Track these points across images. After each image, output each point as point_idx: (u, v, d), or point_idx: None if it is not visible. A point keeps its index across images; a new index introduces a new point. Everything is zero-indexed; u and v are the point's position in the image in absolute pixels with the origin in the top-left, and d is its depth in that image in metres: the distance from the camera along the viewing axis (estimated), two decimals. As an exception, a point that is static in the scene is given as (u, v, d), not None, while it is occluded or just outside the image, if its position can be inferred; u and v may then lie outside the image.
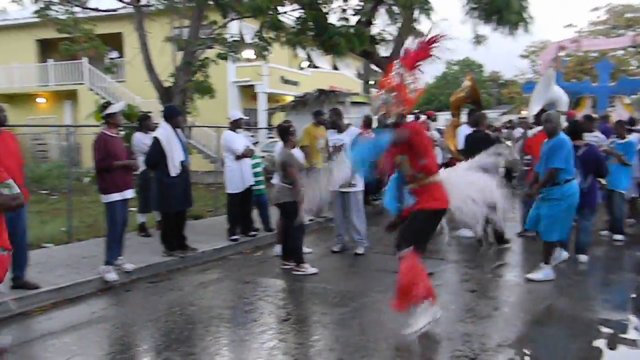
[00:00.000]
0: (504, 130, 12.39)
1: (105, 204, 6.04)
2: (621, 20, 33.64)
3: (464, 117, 9.45)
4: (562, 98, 9.85)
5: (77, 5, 12.07)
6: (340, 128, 7.47)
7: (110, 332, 4.76)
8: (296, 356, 4.09)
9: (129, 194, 6.18)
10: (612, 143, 8.02)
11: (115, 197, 5.97)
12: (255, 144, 8.56)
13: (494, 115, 28.26)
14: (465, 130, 8.40)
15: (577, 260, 6.61)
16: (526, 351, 4.29)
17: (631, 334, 4.55)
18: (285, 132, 6.73)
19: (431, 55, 4.42)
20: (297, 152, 7.23)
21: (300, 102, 12.21)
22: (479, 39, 15.48)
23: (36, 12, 11.83)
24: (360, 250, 7.36)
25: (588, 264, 6.61)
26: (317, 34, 9.99)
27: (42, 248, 7.21)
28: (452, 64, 49.35)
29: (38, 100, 23.42)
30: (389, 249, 7.49)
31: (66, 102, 22.86)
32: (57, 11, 11.87)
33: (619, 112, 13.27)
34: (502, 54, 39.71)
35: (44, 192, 13.30)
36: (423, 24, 13.54)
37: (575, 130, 6.64)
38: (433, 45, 4.37)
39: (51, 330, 4.70)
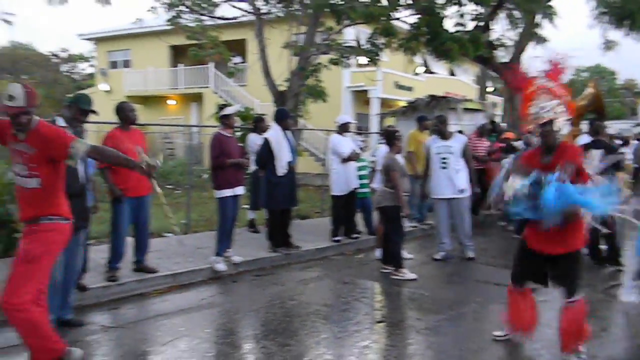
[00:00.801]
0: (634, 142, 11.47)
1: (217, 199, 6.46)
2: None
3: (584, 126, 8.92)
4: None
5: (204, 14, 12.96)
6: (444, 135, 7.36)
7: (215, 317, 5.11)
8: (387, 357, 4.15)
9: (240, 190, 6.56)
10: None
11: (227, 192, 6.37)
12: (362, 148, 8.66)
13: (625, 127, 26.09)
14: (584, 139, 7.93)
15: None
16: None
17: None
18: (391, 137, 6.79)
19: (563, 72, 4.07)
20: (401, 159, 7.27)
21: (411, 108, 12.18)
22: (608, 45, 14.48)
23: (169, 20, 12.87)
24: (471, 254, 7.28)
25: None
26: (430, 39, 9.91)
27: (162, 237, 7.84)
28: (581, 70, 46.28)
29: (168, 102, 25.31)
30: (493, 260, 7.37)
31: (193, 104, 24.50)
32: (187, 19, 12.82)
33: None
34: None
35: (169, 186, 14.38)
36: (546, 29, 12.93)
37: None
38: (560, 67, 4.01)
39: (164, 312, 5.14)
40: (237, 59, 21.23)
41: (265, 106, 17.50)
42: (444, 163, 7.18)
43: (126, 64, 27.34)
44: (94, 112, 4.77)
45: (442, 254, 7.39)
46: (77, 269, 4.69)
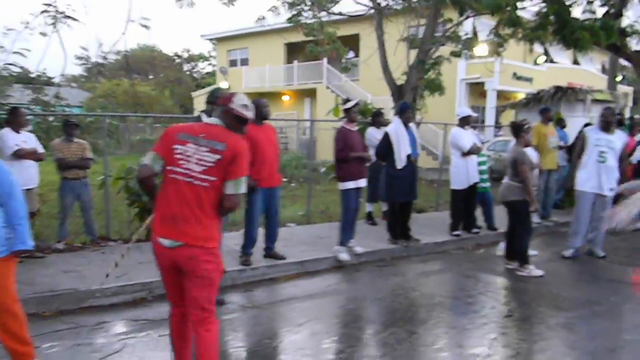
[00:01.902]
0: None
1: (341, 191, 6.68)
2: None
3: None
4: None
5: (323, 10, 13.29)
6: (608, 128, 6.87)
7: (342, 303, 5.33)
8: (518, 350, 4.13)
9: (363, 182, 6.74)
10: None
11: (351, 185, 6.58)
12: (483, 142, 8.50)
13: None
14: None
15: None
16: None
17: None
18: (518, 130, 6.62)
19: None
20: (531, 152, 7.04)
21: (534, 99, 11.69)
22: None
23: (289, 19, 13.35)
24: (602, 253, 7.03)
25: None
26: (558, 28, 9.44)
27: (286, 227, 8.23)
28: None
29: (283, 97, 26.21)
30: (626, 259, 6.97)
31: (306, 99, 25.20)
32: (306, 17, 13.23)
33: None
34: None
35: (284, 179, 14.97)
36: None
37: None
38: None
39: (294, 296, 5.45)
40: (351, 54, 21.50)
41: (378, 100, 17.62)
42: (602, 157, 6.78)
43: (244, 62, 28.66)
44: None
45: (572, 251, 7.09)
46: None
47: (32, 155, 6.05)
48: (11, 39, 9.93)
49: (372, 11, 12.13)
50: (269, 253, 6.34)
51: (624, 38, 11.30)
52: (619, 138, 6.88)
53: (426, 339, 4.34)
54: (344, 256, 6.61)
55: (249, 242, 6.11)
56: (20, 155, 5.93)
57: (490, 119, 20.25)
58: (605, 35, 9.26)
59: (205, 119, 4.89)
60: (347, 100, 7.51)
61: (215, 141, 3.00)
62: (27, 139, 6.14)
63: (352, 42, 21.42)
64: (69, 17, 8.98)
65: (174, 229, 3.02)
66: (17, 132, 6.06)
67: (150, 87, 39.59)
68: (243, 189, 3.03)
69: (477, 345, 4.22)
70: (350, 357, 4.01)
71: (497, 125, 18.49)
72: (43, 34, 9.20)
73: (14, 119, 6.08)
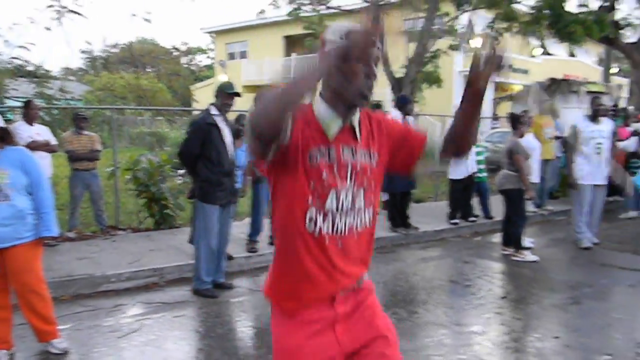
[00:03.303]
0: None
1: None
2: None
3: None
4: None
5: (323, 4, 13.47)
6: (595, 118, 6.96)
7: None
8: (512, 327, 4.39)
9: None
10: None
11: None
12: (480, 133, 8.73)
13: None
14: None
15: None
16: None
17: None
18: (515, 120, 6.86)
19: None
20: (529, 141, 7.25)
21: (530, 92, 11.91)
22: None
23: (289, 13, 13.54)
24: (596, 240, 7.20)
25: None
26: (552, 22, 9.67)
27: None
28: None
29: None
30: (618, 245, 7.24)
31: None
32: (306, 11, 13.42)
33: None
34: None
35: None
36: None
37: None
38: None
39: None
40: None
41: (376, 93, 17.81)
42: (599, 148, 6.86)
43: (243, 55, 28.81)
44: (238, 94, 5.11)
45: (586, 241, 7.09)
46: (228, 238, 5.34)
47: (45, 147, 6.27)
48: (16, 33, 10.10)
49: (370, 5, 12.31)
50: (274, 240, 6.56)
51: (617, 30, 11.53)
52: (607, 125, 7.07)
53: (426, 317, 4.59)
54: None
55: (255, 230, 6.35)
56: (33, 147, 6.13)
57: (487, 110, 20.47)
58: (599, 28, 9.50)
59: (213, 111, 5.11)
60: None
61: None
62: (40, 131, 6.36)
63: (351, 35, 21.57)
64: (73, 11, 9.17)
65: None
66: (31, 124, 6.28)
67: (150, 79, 39.67)
68: None
69: (474, 324, 4.48)
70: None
71: (494, 117, 18.73)
72: (48, 29, 9.39)
73: (27, 112, 6.29)
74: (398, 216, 7.68)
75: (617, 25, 11.58)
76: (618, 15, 12.04)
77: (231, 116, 5.48)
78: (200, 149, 4.82)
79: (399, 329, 4.24)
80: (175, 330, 4.32)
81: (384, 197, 8.63)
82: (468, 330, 4.35)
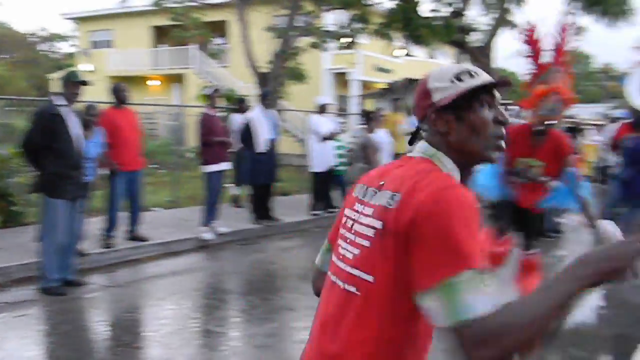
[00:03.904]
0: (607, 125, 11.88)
1: (204, 174, 6.96)
2: None
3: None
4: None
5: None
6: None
7: (204, 278, 5.66)
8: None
9: (225, 166, 7.07)
10: None
11: (213, 168, 6.87)
12: (340, 128, 9.19)
13: (600, 110, 26.71)
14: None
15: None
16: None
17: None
18: (367, 117, 7.34)
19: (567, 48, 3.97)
20: (381, 137, 7.77)
21: (388, 90, 12.71)
22: (579, 30, 15.08)
23: (154, 3, 13.16)
24: None
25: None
26: (404, 25, 10.41)
27: (151, 211, 8.31)
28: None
29: (150, 82, 25.49)
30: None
31: (175, 85, 24.73)
32: (170, 1, 13.13)
33: None
34: (623, 45, 37.30)
35: (153, 166, 14.76)
36: (517, 15, 13.51)
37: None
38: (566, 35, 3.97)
39: (157, 274, 5.68)
40: (219, 40, 21.49)
41: (248, 87, 17.92)
42: None
43: (108, 44, 27.39)
44: (85, 83, 4.91)
45: None
46: (78, 233, 5.17)
47: None
48: None
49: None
50: (132, 235, 6.45)
51: (464, 35, 12.64)
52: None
53: (279, 303, 4.81)
54: (208, 235, 6.90)
55: (110, 225, 6.18)
56: None
57: (354, 107, 21.39)
58: (446, 32, 10.37)
59: (58, 101, 4.85)
60: (209, 87, 7.77)
61: (387, 191, 1.23)
62: None
63: (221, 28, 21.42)
64: None
65: None
66: None
67: (2, 66, 36.31)
68: (468, 307, 1.02)
69: (322, 306, 4.77)
70: (207, 323, 4.36)
71: (361, 114, 19.62)
72: None
73: None
74: (261, 208, 7.86)
75: (464, 30, 12.69)
76: (465, 21, 13.22)
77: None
78: (44, 141, 4.61)
79: (252, 315, 4.44)
80: (18, 329, 4.13)
81: (248, 190, 8.82)
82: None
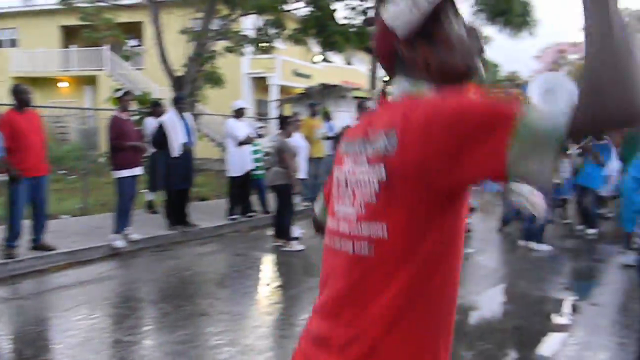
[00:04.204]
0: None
1: (116, 179, 6.74)
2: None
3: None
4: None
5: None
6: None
7: (114, 287, 5.48)
8: (272, 310, 4.78)
9: (138, 171, 6.89)
10: (590, 142, 8.49)
11: (126, 173, 6.68)
12: (258, 133, 9.19)
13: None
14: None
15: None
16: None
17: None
18: (283, 122, 7.40)
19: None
20: (297, 141, 7.85)
21: (304, 95, 12.88)
22: (485, 39, 15.93)
23: (61, 2, 12.57)
24: None
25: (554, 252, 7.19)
26: (318, 31, 10.61)
27: (59, 219, 7.94)
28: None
29: (60, 84, 24.30)
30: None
31: (86, 87, 23.72)
32: (80, 1, 12.60)
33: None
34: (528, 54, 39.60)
35: (62, 172, 14.09)
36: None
37: None
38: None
39: (64, 285, 5.43)
40: (134, 42, 20.83)
41: (163, 90, 17.51)
42: None
43: (13, 43, 25.85)
44: None
45: None
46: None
47: None
48: None
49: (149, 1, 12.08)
50: (37, 244, 6.14)
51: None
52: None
53: (193, 309, 4.75)
54: (119, 243, 6.69)
55: (12, 234, 5.85)
56: None
57: (273, 112, 21.43)
58: (358, 39, 10.65)
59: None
60: (119, 90, 7.54)
61: (380, 132, 1.11)
62: None
63: (136, 30, 20.81)
64: None
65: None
66: None
67: None
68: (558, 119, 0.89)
69: (237, 311, 4.77)
70: (117, 332, 4.24)
71: (280, 118, 19.70)
72: None
73: None
74: (176, 214, 7.72)
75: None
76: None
77: None
78: None
79: (162, 323, 4.36)
80: None
81: (163, 195, 8.64)
82: (230, 318, 4.61)
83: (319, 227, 1.53)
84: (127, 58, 14.76)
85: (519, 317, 4.85)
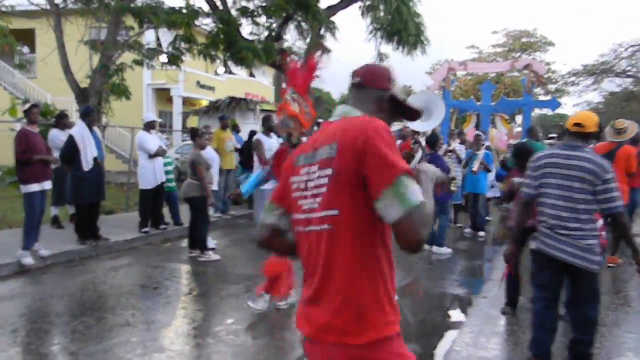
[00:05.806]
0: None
1: (24, 194, 6.57)
2: (517, 44, 36.69)
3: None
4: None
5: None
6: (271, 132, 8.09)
7: (29, 303, 5.38)
8: (194, 317, 4.97)
9: (47, 185, 6.76)
10: (474, 153, 9.38)
11: (35, 187, 6.54)
12: (167, 145, 9.25)
13: (393, 129, 29.57)
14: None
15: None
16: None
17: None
18: (195, 134, 7.57)
19: (315, 77, 4.88)
20: (211, 153, 8.01)
21: (213, 108, 13.00)
22: (381, 57, 16.88)
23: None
24: None
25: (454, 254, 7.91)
26: (227, 47, 10.84)
27: (-45, 237, 7.55)
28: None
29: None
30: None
31: (-30, 96, 22.11)
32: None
33: (498, 128, 15.02)
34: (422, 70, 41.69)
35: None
36: (329, 40, 14.73)
37: (434, 140, 7.86)
38: (316, 67, 4.93)
39: (-28, 304, 5.26)
40: (25, 50, 19.78)
41: (59, 101, 16.83)
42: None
43: None
44: None
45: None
46: None
47: None
48: None
49: (49, 8, 11.67)
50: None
51: (284, 57, 13.44)
52: (276, 140, 8.32)
53: (114, 321, 4.82)
54: (28, 260, 6.53)
55: None
56: None
57: (177, 124, 21.20)
58: (266, 55, 11.01)
59: None
60: (25, 102, 7.35)
61: (325, 145, 1.69)
62: None
63: (27, 37, 19.78)
64: None
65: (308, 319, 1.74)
66: None
67: None
68: (413, 196, 1.50)
69: (160, 320, 4.90)
70: (40, 347, 4.24)
71: (185, 130, 19.55)
72: None
73: None
74: (87, 228, 7.61)
75: (284, 53, 13.51)
76: (285, 44, 14.07)
77: None
78: None
79: (87, 335, 4.43)
80: None
81: (71, 209, 8.44)
82: (154, 326, 4.74)
83: (270, 234, 1.93)
84: (21, 67, 14.06)
85: (422, 311, 5.39)
